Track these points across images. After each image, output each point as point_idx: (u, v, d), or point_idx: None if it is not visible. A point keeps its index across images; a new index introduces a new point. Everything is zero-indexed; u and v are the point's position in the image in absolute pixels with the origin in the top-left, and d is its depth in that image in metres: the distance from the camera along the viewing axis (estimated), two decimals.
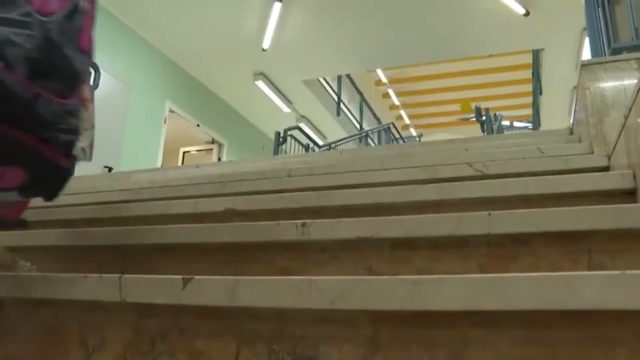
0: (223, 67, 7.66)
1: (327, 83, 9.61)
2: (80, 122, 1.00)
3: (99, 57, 1.16)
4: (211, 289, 0.91)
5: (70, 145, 0.98)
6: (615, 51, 2.52)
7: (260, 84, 8.11)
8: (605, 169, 1.61)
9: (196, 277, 0.93)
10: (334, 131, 9.85)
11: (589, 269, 1.02)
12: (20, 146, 0.91)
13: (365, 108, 11.37)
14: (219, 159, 8.42)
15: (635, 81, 1.58)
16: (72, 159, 1.02)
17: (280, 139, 7.03)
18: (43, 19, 0.89)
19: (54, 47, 0.92)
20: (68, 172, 1.02)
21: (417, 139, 12.99)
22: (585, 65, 2.05)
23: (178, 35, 6.79)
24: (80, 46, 0.98)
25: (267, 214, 1.62)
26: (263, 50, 7.21)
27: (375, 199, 1.55)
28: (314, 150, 7.75)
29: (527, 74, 9.56)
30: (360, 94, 11.09)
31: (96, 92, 1.13)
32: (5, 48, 0.83)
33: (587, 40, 4.52)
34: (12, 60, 0.84)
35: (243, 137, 9.17)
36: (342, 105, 10.02)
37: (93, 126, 1.07)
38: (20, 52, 0.85)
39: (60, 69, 0.94)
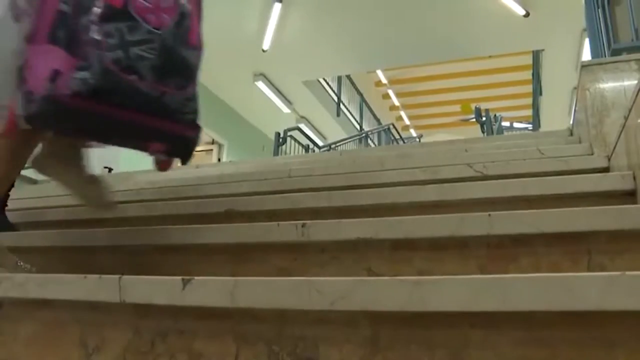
0: (223, 68, 7.65)
1: (327, 84, 9.61)
2: (197, 102, 1.28)
3: None
4: (211, 289, 0.91)
5: (193, 121, 1.28)
6: (615, 52, 2.52)
7: (260, 84, 8.11)
8: (605, 170, 1.61)
9: (196, 277, 0.93)
10: (334, 132, 9.85)
11: (589, 269, 1.02)
12: (157, 129, 1.21)
13: (365, 109, 11.37)
14: (219, 160, 8.42)
15: (635, 82, 1.58)
16: (197, 130, 1.30)
17: (280, 140, 7.03)
18: (159, 32, 1.14)
19: (171, 51, 1.17)
20: (195, 140, 1.31)
21: (417, 139, 12.98)
22: (585, 66, 2.06)
23: None
24: (191, 44, 1.25)
25: (267, 214, 1.62)
26: (263, 51, 7.21)
27: (375, 199, 1.55)
28: (313, 151, 7.75)
29: (527, 74, 9.56)
30: (360, 94, 11.09)
31: None
32: (137, 63, 1.09)
33: (587, 41, 4.52)
34: (142, 72, 1.10)
35: (243, 138, 9.16)
36: (342, 106, 10.02)
37: None
38: (147, 63, 1.11)
39: (178, 67, 1.20)
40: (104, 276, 1.01)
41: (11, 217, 1.99)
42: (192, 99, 1.25)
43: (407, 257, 1.17)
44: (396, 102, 13.41)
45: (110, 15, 1.09)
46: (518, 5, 6.16)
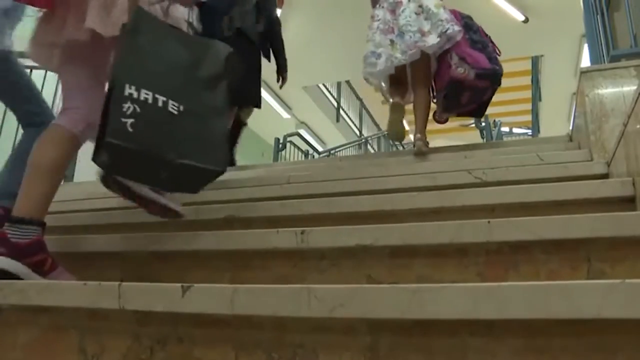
0: None
1: (327, 89, 9.62)
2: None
3: None
4: (210, 297, 0.91)
5: (491, 98, 2.75)
6: (614, 58, 2.52)
7: None
8: (605, 176, 1.61)
9: (195, 285, 0.93)
10: (334, 137, 9.85)
11: (589, 276, 1.02)
12: (489, 96, 2.71)
13: (365, 114, 11.37)
14: None
15: (634, 88, 1.58)
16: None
17: (280, 145, 7.02)
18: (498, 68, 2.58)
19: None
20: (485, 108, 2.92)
21: None
22: (584, 72, 2.06)
23: None
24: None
25: (267, 221, 1.61)
26: None
27: (374, 206, 1.55)
28: (313, 157, 7.75)
29: (527, 80, 9.56)
30: (360, 100, 11.10)
31: None
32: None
33: (586, 47, 4.53)
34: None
35: (242, 143, 9.12)
36: (341, 112, 10.03)
37: None
38: (495, 75, 2.55)
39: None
40: (103, 283, 1.01)
41: None
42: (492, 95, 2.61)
43: (406, 264, 1.17)
44: None
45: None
46: (517, 11, 6.18)
